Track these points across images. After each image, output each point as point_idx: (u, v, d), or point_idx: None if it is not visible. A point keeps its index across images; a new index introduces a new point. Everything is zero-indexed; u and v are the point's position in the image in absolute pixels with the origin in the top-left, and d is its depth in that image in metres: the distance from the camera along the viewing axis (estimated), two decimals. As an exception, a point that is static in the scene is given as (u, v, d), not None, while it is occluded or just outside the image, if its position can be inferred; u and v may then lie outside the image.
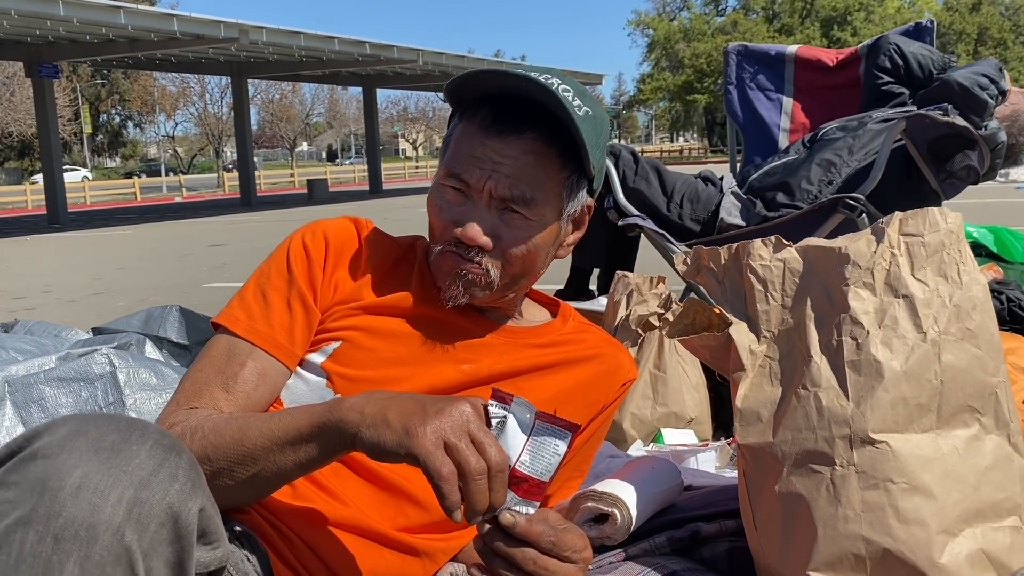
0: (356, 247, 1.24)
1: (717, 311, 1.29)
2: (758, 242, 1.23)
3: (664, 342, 2.17)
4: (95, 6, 15.97)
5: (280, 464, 0.99)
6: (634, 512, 1.29)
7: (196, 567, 0.80)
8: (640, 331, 2.19)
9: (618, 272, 2.38)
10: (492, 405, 0.96)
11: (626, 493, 1.31)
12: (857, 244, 1.21)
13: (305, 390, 1.17)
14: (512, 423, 0.95)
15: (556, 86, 1.13)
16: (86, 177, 51.60)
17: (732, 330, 1.24)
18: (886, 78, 3.43)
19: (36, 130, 21.02)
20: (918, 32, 3.54)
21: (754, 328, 1.25)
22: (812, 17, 51.20)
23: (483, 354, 1.22)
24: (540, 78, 1.12)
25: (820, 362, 1.17)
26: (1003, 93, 3.05)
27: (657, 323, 2.19)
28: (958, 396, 1.14)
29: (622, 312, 2.24)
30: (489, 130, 1.14)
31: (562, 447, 0.96)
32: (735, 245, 1.26)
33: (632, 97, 62.54)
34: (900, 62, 3.39)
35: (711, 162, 41.09)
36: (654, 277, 2.37)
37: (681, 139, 79.14)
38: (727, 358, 1.26)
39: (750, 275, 1.25)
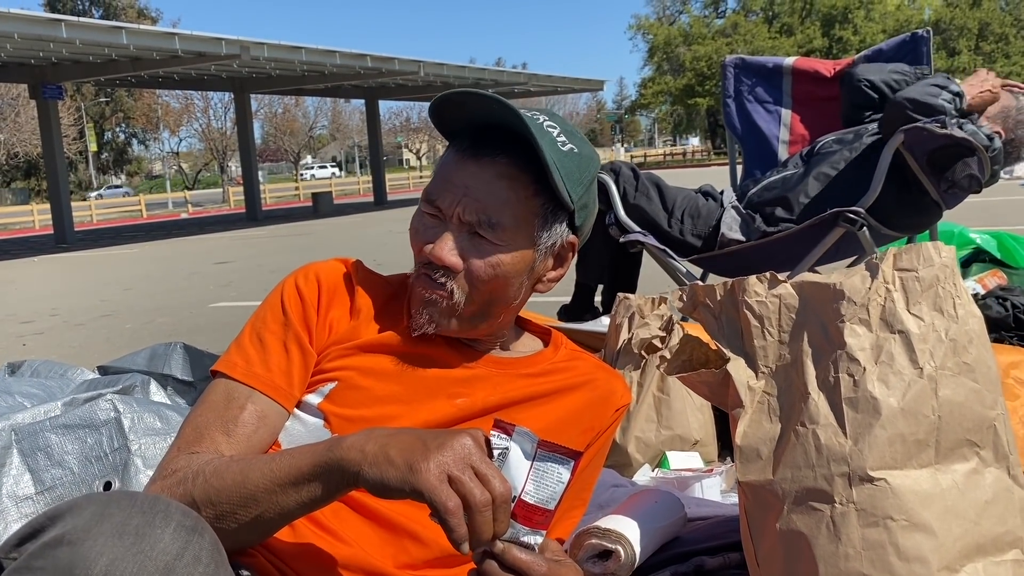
0: (348, 287, 1.26)
1: (714, 347, 1.30)
2: (753, 278, 1.24)
3: (667, 365, 2.18)
4: (97, 27, 16.10)
5: (282, 505, 1.00)
6: (638, 548, 1.30)
7: None
8: (643, 354, 2.20)
9: (619, 294, 2.39)
10: (494, 436, 0.97)
11: (629, 529, 1.32)
12: (852, 280, 1.22)
13: (303, 431, 1.18)
14: (515, 453, 0.97)
15: (538, 120, 1.17)
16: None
17: (730, 366, 1.25)
18: (864, 113, 3.38)
19: (41, 150, 21.10)
20: (914, 42, 3.54)
21: (752, 364, 1.25)
22: (812, 16, 51.19)
23: (476, 387, 1.23)
24: (519, 110, 1.15)
25: (818, 399, 1.18)
26: (958, 95, 3.04)
27: (660, 345, 2.20)
28: (956, 431, 1.15)
29: (624, 335, 2.25)
30: (465, 154, 1.17)
31: (565, 474, 0.97)
32: (731, 281, 1.26)
33: (634, 101, 62.55)
34: (874, 94, 3.36)
35: (715, 164, 41.06)
36: (655, 298, 2.38)
37: (684, 142, 79.07)
38: (726, 394, 1.26)
39: (746, 311, 1.26)
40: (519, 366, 1.27)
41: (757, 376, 1.24)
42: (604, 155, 71.31)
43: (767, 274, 1.24)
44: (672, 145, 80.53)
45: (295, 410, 1.20)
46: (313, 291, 1.23)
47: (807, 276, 1.27)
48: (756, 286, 1.25)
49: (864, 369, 1.16)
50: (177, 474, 1.07)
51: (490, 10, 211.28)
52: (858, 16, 48.71)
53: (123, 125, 62.43)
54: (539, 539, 0.96)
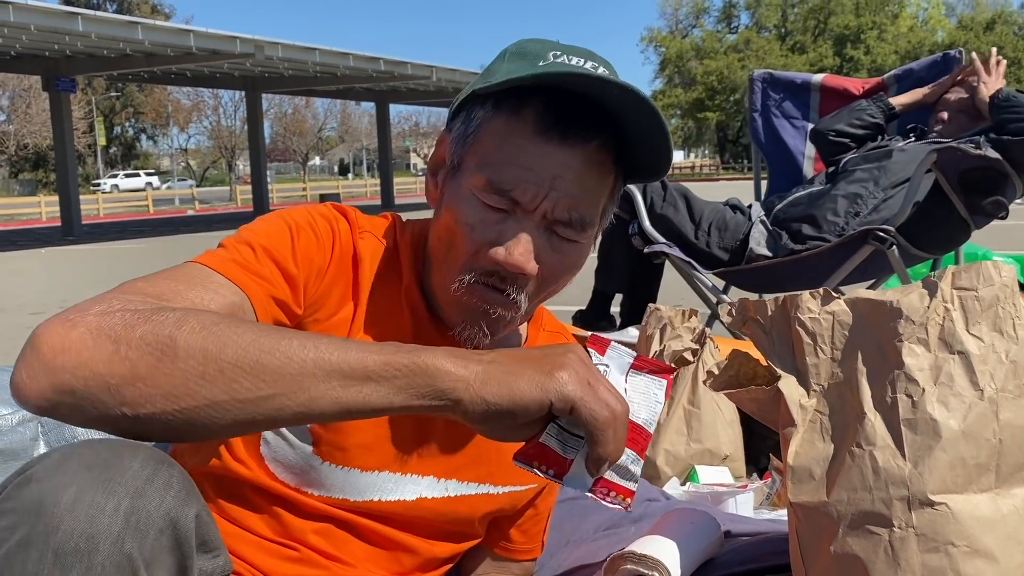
0: (354, 254, 1.04)
1: (764, 363, 1.28)
2: (806, 294, 1.22)
3: (698, 378, 2.16)
4: (113, 22, 16.14)
5: (317, 396, 0.76)
6: (676, 574, 1.28)
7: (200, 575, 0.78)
8: (674, 366, 2.18)
9: (650, 305, 2.37)
10: (591, 353, 0.88)
11: (666, 554, 1.29)
12: (909, 298, 1.20)
13: (290, 453, 1.03)
14: (613, 372, 0.89)
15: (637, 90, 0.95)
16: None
17: (781, 384, 1.22)
18: (843, 158, 3.39)
19: (51, 142, 21.15)
20: (945, 63, 3.53)
21: (803, 382, 1.23)
22: (825, 35, 51.28)
23: None
24: (600, 71, 0.96)
25: (875, 419, 1.15)
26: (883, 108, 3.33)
27: (691, 358, 2.18)
28: (1017, 454, 1.13)
29: (655, 347, 2.22)
30: (549, 134, 0.94)
31: (660, 394, 0.91)
32: (783, 297, 1.24)
33: (644, 113, 62.51)
34: (843, 139, 3.45)
35: (724, 179, 41.07)
36: (686, 310, 2.36)
37: (693, 156, 79.24)
38: (775, 412, 1.24)
39: (798, 328, 1.24)
40: None
41: (809, 394, 1.22)
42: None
43: (820, 290, 1.22)
44: (682, 158, 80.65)
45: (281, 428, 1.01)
46: (326, 248, 1.01)
47: (861, 293, 1.25)
48: (809, 302, 1.23)
49: (923, 390, 1.14)
50: (142, 299, 0.83)
51: (503, 20, 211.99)
52: (871, 37, 48.80)
53: (133, 120, 62.64)
54: (639, 469, 0.88)
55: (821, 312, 1.23)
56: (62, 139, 19.67)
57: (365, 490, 1.06)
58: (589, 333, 2.69)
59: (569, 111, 0.95)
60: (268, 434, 1.03)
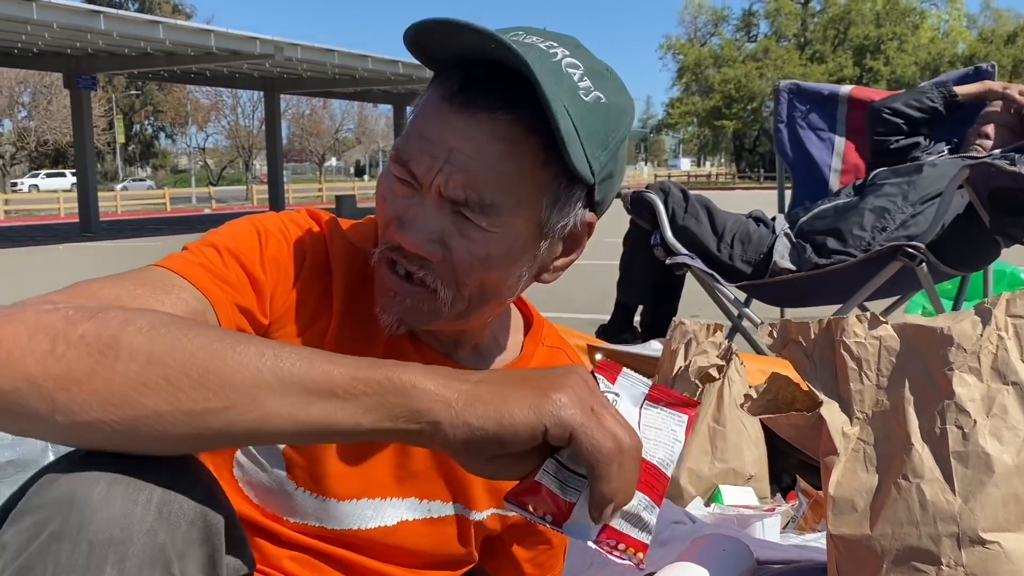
0: (327, 264, 0.96)
1: (805, 387, 1.23)
2: (852, 317, 1.17)
3: (724, 395, 2.11)
4: (135, 20, 16.23)
5: (272, 412, 0.67)
6: (711, 601, 1.23)
7: (227, 571, 0.74)
8: (699, 383, 2.13)
9: (674, 319, 2.32)
10: (599, 381, 0.78)
11: (700, 581, 1.25)
12: (961, 325, 1.15)
13: (264, 477, 0.96)
14: (625, 403, 0.78)
15: (555, 56, 0.86)
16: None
17: (823, 410, 1.18)
18: (891, 139, 3.39)
19: (71, 139, 21.29)
20: (977, 75, 3.48)
21: (846, 408, 1.18)
22: (844, 45, 51.08)
23: None
24: (523, 43, 0.85)
25: (922, 451, 1.11)
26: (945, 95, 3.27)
27: (717, 375, 2.13)
28: (1072, 493, 1.07)
29: (680, 362, 2.18)
30: (452, 103, 0.85)
31: (680, 432, 0.79)
32: (826, 319, 1.20)
33: (661, 121, 62.60)
34: (897, 119, 3.38)
35: (740, 188, 40.93)
36: (710, 324, 2.31)
37: (709, 164, 79.09)
38: (816, 439, 1.19)
39: (843, 352, 1.19)
40: None
41: (852, 422, 1.17)
42: (628, 173, 71.29)
43: (867, 314, 1.17)
44: (696, 166, 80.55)
45: (251, 449, 0.95)
46: (298, 256, 0.94)
47: (910, 318, 1.21)
48: (855, 326, 1.18)
49: (975, 422, 1.09)
50: (95, 300, 0.76)
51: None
52: (891, 48, 48.57)
53: (152, 118, 63.06)
54: (655, 519, 0.76)
55: (867, 337, 1.19)
56: (82, 136, 19.78)
57: (343, 519, 0.97)
58: (608, 346, 2.62)
59: (479, 80, 0.84)
60: (241, 456, 0.96)
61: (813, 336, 1.22)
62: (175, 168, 69.95)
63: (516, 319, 1.09)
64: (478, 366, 1.00)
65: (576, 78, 0.86)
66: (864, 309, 3.59)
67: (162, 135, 66.77)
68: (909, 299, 3.73)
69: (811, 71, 48.11)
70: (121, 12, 16.44)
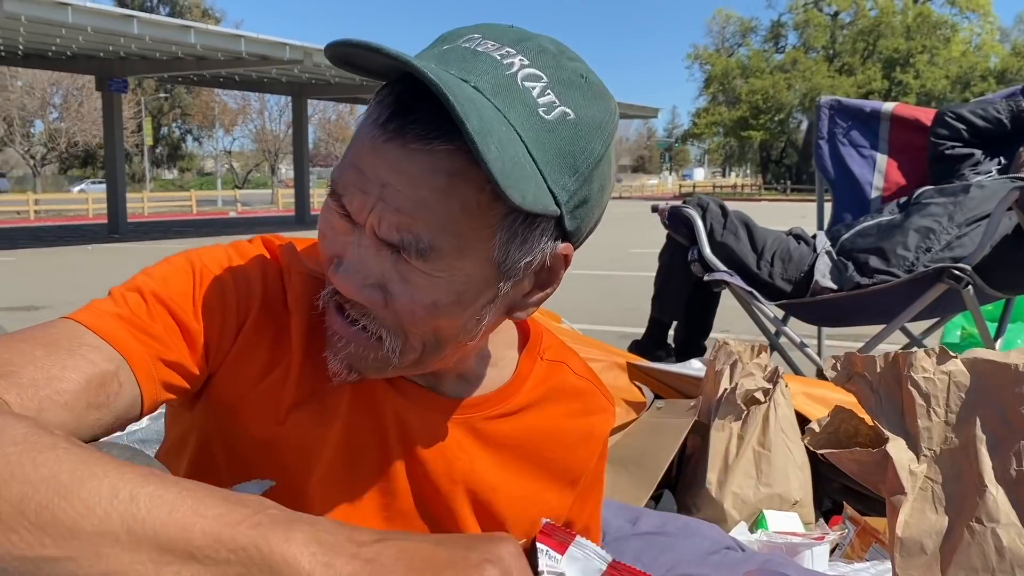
0: (283, 303, 0.87)
1: (870, 422, 1.20)
2: (920, 352, 1.14)
3: (769, 418, 2.07)
4: (167, 25, 16.36)
5: (118, 570, 0.54)
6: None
7: None
8: (744, 406, 2.10)
9: (718, 339, 2.29)
10: (542, 552, 0.69)
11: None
12: (1037, 361, 1.11)
13: None
14: None
15: (511, 67, 0.73)
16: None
17: (890, 446, 1.15)
18: (948, 143, 3.39)
19: (100, 140, 21.51)
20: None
21: (913, 445, 1.15)
22: (874, 58, 50.70)
23: (437, 455, 0.90)
24: (478, 48, 0.74)
25: (996, 493, 1.07)
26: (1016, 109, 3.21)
27: (763, 398, 2.09)
28: None
29: (726, 383, 2.14)
30: (384, 128, 0.72)
31: None
32: (893, 353, 1.17)
33: (687, 130, 62.40)
34: (960, 124, 3.36)
35: (766, 199, 40.67)
36: (755, 345, 2.27)
37: (734, 175, 78.74)
38: (880, 475, 1.16)
39: (910, 387, 1.16)
40: (488, 406, 0.93)
41: (919, 459, 1.14)
42: (652, 183, 71.11)
43: (935, 348, 1.14)
44: (721, 177, 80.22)
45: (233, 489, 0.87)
46: (246, 296, 0.84)
47: (980, 353, 1.17)
48: (923, 361, 1.15)
49: (1053, 464, 1.06)
50: None
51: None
52: (920, 61, 48.16)
53: (179, 121, 63.66)
54: None
55: (936, 372, 1.15)
56: (112, 138, 19.97)
57: None
58: (647, 364, 2.57)
59: (418, 104, 0.71)
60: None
61: (879, 370, 1.20)
62: (201, 171, 70.49)
63: (510, 333, 0.99)
64: (464, 393, 0.92)
65: (536, 93, 0.73)
66: (906, 331, 3.54)
67: (189, 138, 67.38)
68: (948, 321, 3.67)
69: (839, 83, 47.80)
70: (154, 17, 16.54)
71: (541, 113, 0.73)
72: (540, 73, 0.74)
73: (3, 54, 18.94)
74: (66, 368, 0.70)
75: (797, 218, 18.29)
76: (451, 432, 0.91)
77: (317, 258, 0.87)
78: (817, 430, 1.25)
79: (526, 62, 0.74)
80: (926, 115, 3.57)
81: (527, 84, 0.73)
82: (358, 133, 0.76)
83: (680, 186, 63.49)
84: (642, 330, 3.61)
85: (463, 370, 0.93)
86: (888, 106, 3.64)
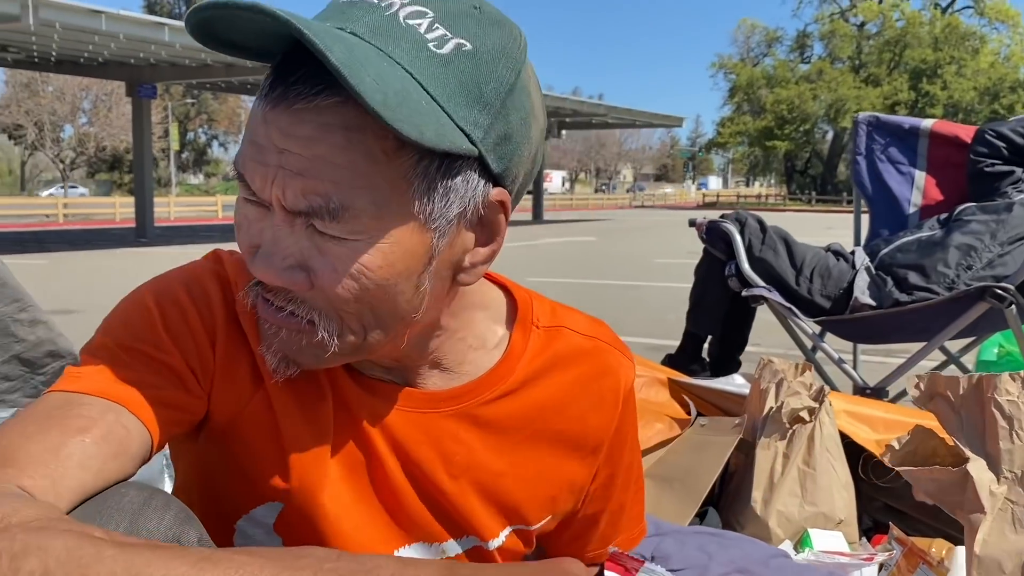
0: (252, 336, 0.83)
1: (950, 442, 1.21)
2: (1005, 376, 1.15)
3: (815, 438, 2.07)
4: (198, 32, 16.55)
5: None
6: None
7: None
8: (789, 424, 2.10)
9: (763, 357, 2.29)
10: None
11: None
12: (1111, 389, 1.12)
13: (266, 540, 0.87)
14: None
15: (391, 10, 0.70)
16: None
17: (971, 467, 1.16)
18: (987, 160, 3.38)
19: (128, 146, 21.75)
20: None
21: (994, 467, 1.16)
22: (900, 68, 50.39)
23: (440, 453, 0.87)
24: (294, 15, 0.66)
25: (1070, 519, 1.08)
26: None
27: (808, 418, 2.09)
28: None
29: (771, 402, 2.15)
30: (269, 97, 0.70)
31: None
32: (977, 376, 1.18)
33: (711, 140, 62.26)
34: (1000, 142, 3.35)
35: (790, 210, 40.49)
36: (799, 364, 2.27)
37: (758, 184, 78.44)
38: (958, 495, 1.17)
39: (994, 410, 1.17)
40: (481, 390, 0.88)
41: (999, 480, 1.15)
42: (666, 191, 70.87)
43: (1020, 373, 1.15)
44: (745, 186, 79.93)
45: (243, 524, 0.85)
46: (208, 322, 0.83)
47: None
48: (1008, 384, 1.16)
49: None
50: None
51: (568, 41, 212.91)
52: (948, 72, 47.80)
53: (205, 127, 64.27)
54: None
55: (1020, 395, 1.16)
56: (141, 144, 20.19)
57: None
58: (688, 380, 2.57)
59: (296, 65, 0.69)
60: (243, 524, 0.86)
61: (962, 392, 1.21)
62: (226, 175, 71.10)
63: (497, 308, 0.92)
64: (448, 384, 0.87)
65: (423, 29, 0.70)
66: (943, 348, 3.52)
67: (215, 143, 68.03)
68: (985, 339, 3.64)
69: (865, 94, 47.54)
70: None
71: (432, 48, 0.69)
72: (425, 9, 0.71)
73: (37, 60, 19.21)
74: (65, 433, 0.70)
75: (823, 229, 18.17)
76: (443, 425, 0.87)
77: None
78: (897, 447, 1.26)
79: (407, 1, 0.71)
80: (966, 132, 3.55)
81: (411, 22, 0.70)
82: (251, 111, 0.73)
83: (703, 195, 63.30)
84: (670, 342, 3.62)
85: (438, 358, 0.87)
86: (927, 123, 3.63)
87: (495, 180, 0.75)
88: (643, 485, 1.05)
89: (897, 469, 1.24)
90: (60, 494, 0.67)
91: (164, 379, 0.78)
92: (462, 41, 0.70)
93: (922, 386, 1.22)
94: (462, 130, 0.70)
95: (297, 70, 0.69)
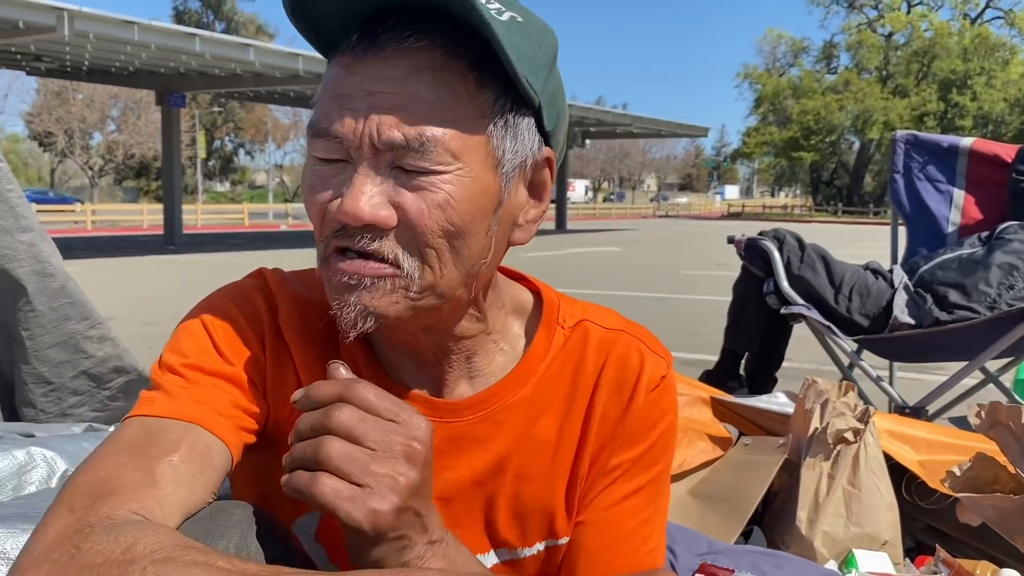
0: (288, 342, 0.90)
1: (1012, 470, 1.22)
2: (1062, 409, 1.16)
3: (860, 458, 2.08)
4: (228, 43, 16.76)
5: None
6: None
7: None
8: (833, 445, 2.10)
9: (806, 377, 2.30)
10: None
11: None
12: None
13: (312, 549, 0.91)
14: None
15: None
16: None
17: (1025, 499, 1.16)
18: None
19: (156, 152, 22.01)
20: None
21: (1048, 499, 1.17)
22: (928, 79, 50.01)
23: (460, 452, 0.90)
24: None
25: None
26: None
27: (853, 439, 2.10)
28: None
29: (816, 422, 2.15)
30: (355, 51, 0.77)
31: None
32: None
33: (736, 150, 62.05)
34: None
35: (816, 221, 40.25)
36: (842, 384, 2.28)
37: (784, 195, 78.05)
38: (1017, 522, 1.19)
39: (1045, 441, 1.18)
40: (499, 398, 0.90)
41: (1055, 513, 1.16)
42: (682, 201, 70.53)
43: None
44: (771, 196, 79.55)
45: (293, 527, 0.90)
46: (258, 334, 0.89)
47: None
48: (1061, 416, 1.17)
49: None
50: (84, 505, 0.70)
51: (593, 50, 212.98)
52: (978, 83, 47.38)
53: (232, 135, 64.84)
54: None
55: (1073, 428, 1.17)
56: (170, 151, 20.44)
57: None
58: (730, 398, 2.58)
59: (379, 24, 0.77)
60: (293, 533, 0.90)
61: None
62: (252, 183, 71.68)
63: (527, 311, 0.95)
64: (475, 390, 0.90)
65: (484, 0, 0.76)
66: (982, 368, 3.50)
67: (241, 151, 68.61)
68: (1022, 361, 3.62)
69: (893, 105, 47.23)
70: (215, 35, 17.00)
71: (495, 14, 0.76)
72: None
73: (69, 70, 19.51)
74: (154, 457, 0.76)
75: (851, 241, 18.04)
76: (467, 432, 0.89)
77: (306, 282, 0.92)
78: (958, 473, 1.28)
79: None
80: (1006, 151, 3.54)
81: None
82: (327, 78, 0.80)
83: (728, 205, 63.04)
84: (703, 356, 3.63)
85: (470, 355, 0.90)
86: (966, 141, 3.62)
87: (545, 138, 0.84)
88: (661, 500, 0.98)
89: (958, 496, 1.25)
90: (167, 513, 0.73)
91: (229, 393, 0.84)
92: (514, 14, 0.79)
93: (983, 414, 1.24)
94: (530, 84, 0.78)
95: (385, 21, 0.77)
